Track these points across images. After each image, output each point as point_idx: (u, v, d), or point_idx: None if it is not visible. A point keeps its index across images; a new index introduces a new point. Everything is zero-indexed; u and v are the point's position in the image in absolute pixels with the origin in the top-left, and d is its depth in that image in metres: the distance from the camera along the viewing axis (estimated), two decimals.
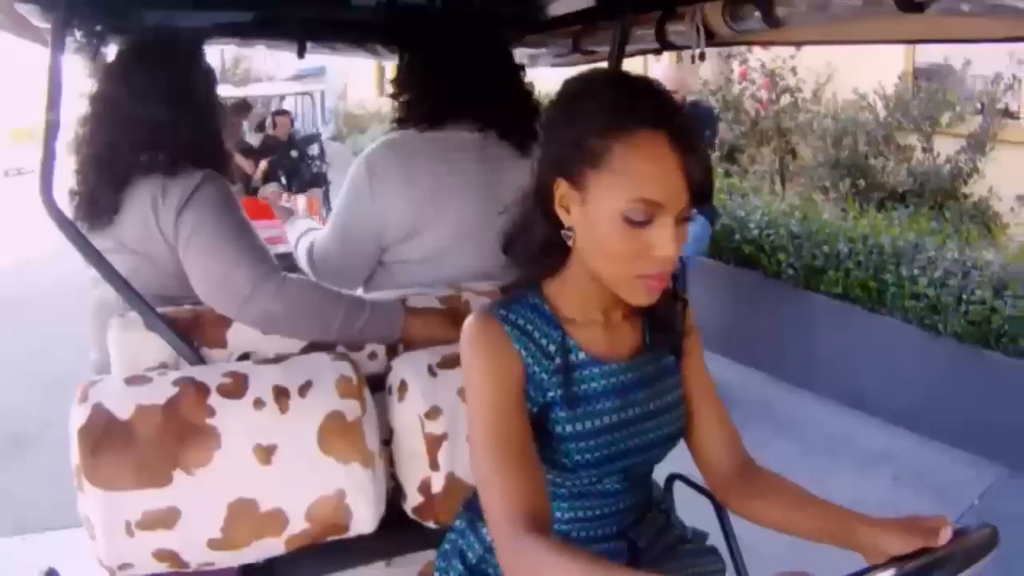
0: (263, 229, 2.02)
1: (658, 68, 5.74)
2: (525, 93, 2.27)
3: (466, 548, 1.54)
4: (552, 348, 1.38)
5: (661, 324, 1.46)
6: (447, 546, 1.59)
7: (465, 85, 2.14)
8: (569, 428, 1.37)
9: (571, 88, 1.33)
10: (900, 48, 7.21)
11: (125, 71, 2.01)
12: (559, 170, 1.30)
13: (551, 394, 1.37)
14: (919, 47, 7.24)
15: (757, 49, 7.33)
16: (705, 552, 1.62)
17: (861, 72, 7.09)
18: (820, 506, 1.34)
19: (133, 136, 1.95)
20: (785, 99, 7.50)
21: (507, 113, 2.18)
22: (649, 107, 1.26)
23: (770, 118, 7.54)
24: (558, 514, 1.43)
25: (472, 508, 1.56)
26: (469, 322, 1.37)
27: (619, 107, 1.27)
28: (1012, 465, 4.28)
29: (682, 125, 1.26)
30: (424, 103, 2.20)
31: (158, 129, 1.94)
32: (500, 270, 2.00)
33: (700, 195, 1.26)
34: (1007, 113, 6.68)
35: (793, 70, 7.35)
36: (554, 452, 1.37)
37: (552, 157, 1.32)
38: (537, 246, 1.39)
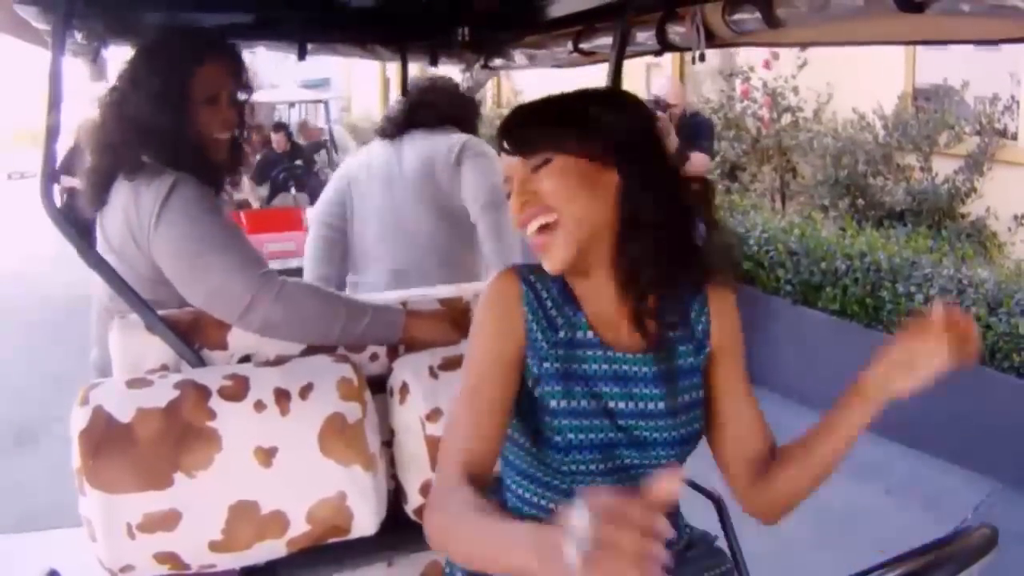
0: (275, 242, 2.01)
1: (658, 84, 5.82)
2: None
3: None
4: (560, 321, 1.39)
5: (666, 322, 1.44)
6: None
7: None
8: (564, 404, 1.36)
9: None
10: (900, 68, 7.25)
11: (121, 70, 2.02)
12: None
13: (547, 365, 1.37)
14: (919, 67, 7.27)
15: (759, 68, 7.37)
16: (712, 554, 1.60)
17: (861, 92, 7.12)
18: (824, 428, 1.39)
19: (121, 135, 1.95)
20: (786, 118, 7.52)
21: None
22: None
23: (771, 136, 7.56)
24: None
25: None
26: (493, 276, 1.42)
27: None
28: (1005, 480, 4.29)
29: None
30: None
31: (142, 129, 1.95)
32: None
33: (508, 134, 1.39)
34: (1004, 134, 6.71)
35: (794, 89, 7.37)
36: (547, 428, 1.36)
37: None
38: None
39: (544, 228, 1.34)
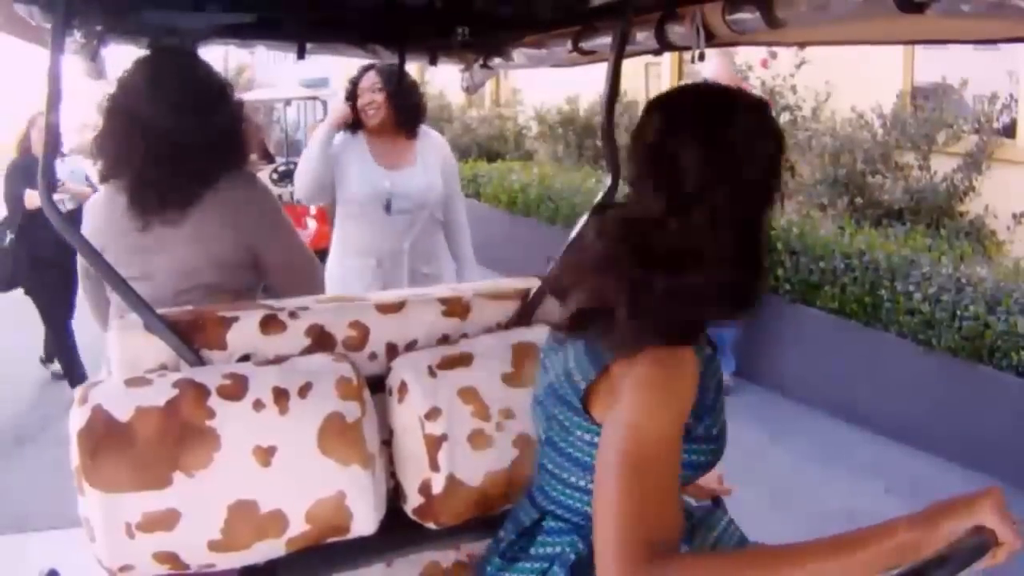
0: None
1: (709, 67, 5.62)
2: None
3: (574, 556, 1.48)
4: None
5: None
6: (545, 564, 1.51)
7: None
8: (707, 431, 1.41)
9: (739, 112, 1.38)
10: (899, 67, 7.24)
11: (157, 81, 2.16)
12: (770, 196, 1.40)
13: (706, 401, 1.39)
14: (917, 66, 7.27)
15: (757, 67, 7.36)
16: (709, 511, 1.69)
17: (860, 91, 7.11)
18: None
19: (191, 140, 2.16)
20: (785, 117, 7.50)
21: None
22: None
23: None
24: None
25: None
26: (690, 356, 1.30)
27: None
28: (1004, 479, 4.28)
29: None
30: None
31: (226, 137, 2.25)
32: None
33: None
34: (1003, 132, 6.70)
35: (793, 88, 7.36)
36: (691, 454, 1.39)
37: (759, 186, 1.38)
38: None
39: None
